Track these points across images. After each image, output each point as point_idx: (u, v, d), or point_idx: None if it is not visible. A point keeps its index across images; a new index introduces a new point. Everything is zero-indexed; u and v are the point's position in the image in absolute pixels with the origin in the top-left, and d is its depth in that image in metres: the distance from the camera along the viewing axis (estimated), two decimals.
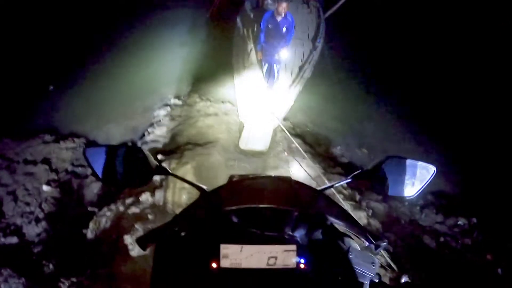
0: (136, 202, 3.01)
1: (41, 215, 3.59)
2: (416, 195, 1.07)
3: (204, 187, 1.06)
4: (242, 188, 1.08)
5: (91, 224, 3.01)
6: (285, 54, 4.87)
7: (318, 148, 4.81)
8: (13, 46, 6.17)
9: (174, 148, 4.03)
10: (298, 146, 4.38)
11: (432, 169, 1.06)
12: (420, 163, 1.08)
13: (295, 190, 1.11)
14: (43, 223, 3.49)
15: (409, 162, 1.08)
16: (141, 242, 0.89)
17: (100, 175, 0.99)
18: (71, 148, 4.44)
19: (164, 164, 1.03)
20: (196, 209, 0.99)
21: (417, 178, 1.07)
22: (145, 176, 1.01)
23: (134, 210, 2.90)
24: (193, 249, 0.86)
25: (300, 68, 5.39)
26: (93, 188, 3.79)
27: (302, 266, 0.82)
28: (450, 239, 3.74)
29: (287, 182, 1.17)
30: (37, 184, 3.94)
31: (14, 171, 4.08)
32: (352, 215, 1.03)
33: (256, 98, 4.88)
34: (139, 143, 4.39)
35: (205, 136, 4.32)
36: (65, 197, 3.75)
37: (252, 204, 0.92)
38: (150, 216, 2.78)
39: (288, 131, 4.58)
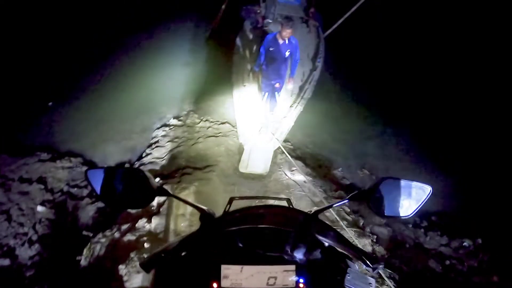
0: (132, 228, 2.97)
1: (34, 237, 3.53)
2: (412, 215, 1.09)
3: (205, 208, 1.07)
4: (242, 211, 1.09)
5: (85, 251, 2.96)
6: (290, 84, 4.73)
7: (319, 170, 4.80)
8: (13, 60, 6.16)
9: (172, 171, 4.00)
10: (299, 169, 4.38)
11: (428, 189, 1.08)
12: (415, 183, 1.09)
13: (292, 214, 1.14)
14: (37, 246, 3.43)
15: (405, 182, 1.09)
16: (145, 266, 0.90)
17: (102, 197, 1.00)
18: (67, 168, 4.40)
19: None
20: (198, 232, 1.00)
21: (413, 198, 1.09)
22: (147, 197, 1.03)
23: (129, 237, 2.86)
24: (194, 270, 0.87)
25: (301, 88, 5.42)
26: (88, 211, 3.75)
27: (301, 285, 0.83)
28: (456, 262, 3.72)
29: (284, 207, 1.20)
30: (32, 204, 3.88)
31: (9, 189, 4.02)
32: (347, 238, 1.05)
33: (255, 119, 4.90)
34: (136, 165, 4.36)
35: (204, 158, 4.31)
36: (60, 219, 3.70)
37: (252, 224, 0.94)
38: (146, 245, 2.74)
39: (288, 153, 4.58)
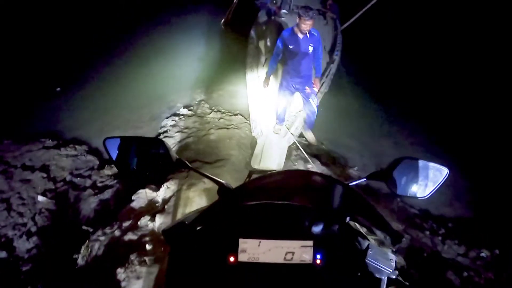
0: (134, 227, 2.73)
1: (33, 229, 3.34)
2: (428, 195, 1.09)
3: (223, 182, 1.07)
4: (261, 184, 1.08)
5: (83, 249, 2.74)
6: (316, 86, 4.12)
7: (334, 168, 4.48)
8: (23, 44, 6.02)
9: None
10: (314, 166, 4.08)
11: (445, 171, 1.07)
12: (433, 164, 1.09)
13: (314, 184, 1.11)
14: (35, 239, 3.23)
15: (422, 163, 1.09)
16: (168, 235, 0.91)
17: (120, 166, 1.02)
18: (72, 156, 4.19)
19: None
20: (216, 204, 0.99)
21: (430, 180, 1.08)
22: (166, 168, 1.04)
23: (130, 237, 2.62)
24: (211, 243, 0.85)
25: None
26: (90, 203, 3.54)
27: (318, 261, 0.82)
28: (474, 274, 3.44)
29: (307, 176, 1.18)
30: (33, 193, 3.69)
31: (10, 176, 3.84)
32: (375, 209, 1.03)
33: (270, 113, 4.60)
34: None
35: (214, 152, 4.04)
36: (60, 210, 3.50)
37: (270, 200, 0.92)
38: (148, 246, 2.50)
39: (303, 149, 4.29)
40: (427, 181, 1.09)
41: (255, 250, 0.82)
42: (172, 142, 4.28)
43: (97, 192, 3.66)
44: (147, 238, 2.58)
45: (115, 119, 4.91)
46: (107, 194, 3.61)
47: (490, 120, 5.53)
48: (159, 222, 2.71)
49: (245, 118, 4.91)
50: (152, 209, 2.96)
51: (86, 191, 3.69)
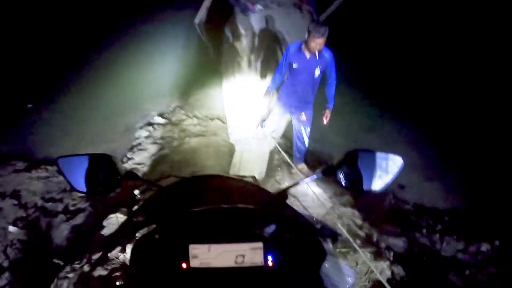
0: (104, 260, 2.59)
1: (5, 263, 3.20)
2: (383, 188, 1.04)
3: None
4: (207, 187, 1.10)
5: None
6: (326, 119, 3.60)
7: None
8: None
9: (155, 180, 3.59)
10: (299, 172, 3.96)
11: (399, 160, 1.03)
12: (386, 155, 1.05)
13: (257, 192, 1.15)
14: (7, 275, 3.09)
15: (375, 154, 1.04)
16: (109, 245, 0.96)
17: (73, 184, 1.02)
18: (43, 178, 4.01)
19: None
20: (155, 208, 1.05)
21: (385, 171, 1.03)
22: (115, 183, 1.04)
23: (100, 272, 2.48)
24: (165, 250, 0.85)
25: None
26: (62, 230, 3.39)
27: (270, 263, 0.81)
28: (475, 271, 3.39)
29: (251, 184, 1.22)
30: (4, 223, 3.53)
31: None
32: (304, 217, 1.05)
33: (247, 115, 4.42)
34: None
35: (190, 163, 3.89)
36: (32, 240, 3.35)
37: (218, 204, 0.94)
38: (118, 283, 2.38)
39: (286, 151, 4.13)
40: (382, 172, 1.04)
41: (206, 255, 0.81)
42: (145, 155, 4.12)
43: (69, 217, 3.51)
44: (117, 273, 2.46)
45: (88, 133, 4.71)
46: (79, 219, 3.46)
47: (484, 113, 5.41)
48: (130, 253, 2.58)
49: (223, 122, 4.74)
50: (123, 237, 2.82)
51: (58, 217, 3.54)
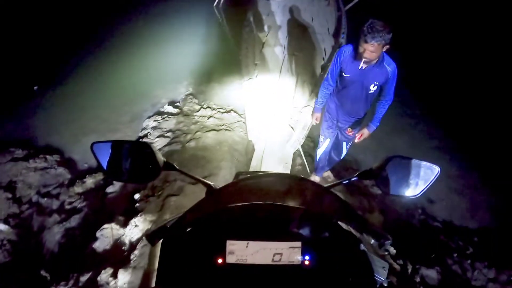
0: (93, 283, 2.21)
1: None
2: (419, 195, 1.05)
3: (212, 184, 1.08)
4: (248, 185, 1.08)
5: None
6: (366, 133, 2.96)
7: (346, 176, 3.83)
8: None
9: (159, 185, 3.17)
10: (323, 179, 3.46)
11: (436, 169, 1.04)
12: (424, 163, 1.06)
13: (301, 188, 1.12)
14: None
15: (413, 162, 1.07)
16: (151, 238, 0.91)
17: (108, 170, 1.00)
18: (41, 169, 3.66)
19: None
20: (204, 205, 1.00)
21: (421, 178, 1.05)
22: (153, 172, 1.01)
23: None
24: (199, 245, 0.85)
25: (324, 69, 4.31)
26: (54, 233, 3.03)
27: (307, 263, 0.81)
28: None
29: (294, 180, 1.19)
30: None
31: None
32: (357, 212, 1.03)
33: (271, 110, 3.86)
34: None
35: (200, 163, 3.43)
36: (22, 242, 3.01)
37: (258, 201, 0.92)
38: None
39: (309, 154, 3.62)
40: (418, 179, 1.06)
41: (243, 252, 0.80)
42: None
43: (64, 218, 3.15)
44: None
45: (92, 120, 4.33)
46: (73, 221, 3.10)
47: None
48: (122, 280, 2.17)
49: (239, 115, 4.25)
50: (116, 255, 2.42)
51: (52, 217, 3.18)
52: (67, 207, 3.29)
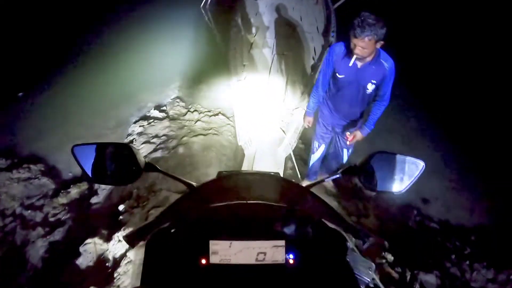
0: None
1: None
2: (404, 190, 1.06)
3: (194, 184, 1.07)
4: (230, 184, 1.09)
5: None
6: (358, 135, 2.74)
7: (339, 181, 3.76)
8: None
9: (141, 195, 3.08)
10: (307, 182, 3.38)
11: (421, 164, 1.04)
12: (408, 158, 1.06)
13: (283, 187, 1.15)
14: None
15: (397, 157, 1.06)
16: (129, 239, 0.90)
17: (89, 173, 1.00)
18: (25, 180, 3.57)
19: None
20: (184, 205, 1.00)
21: (406, 174, 1.05)
22: (134, 173, 1.01)
23: None
24: (183, 246, 0.84)
25: (314, 69, 4.22)
26: (38, 248, 2.94)
27: (291, 261, 0.81)
28: None
29: (275, 179, 1.20)
30: None
31: None
32: (337, 212, 1.04)
33: (261, 113, 3.73)
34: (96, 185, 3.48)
35: (187, 170, 3.36)
36: (4, 258, 2.94)
37: (240, 200, 0.92)
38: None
39: (301, 157, 3.53)
40: (403, 175, 1.05)
41: (226, 252, 0.79)
42: None
43: (47, 231, 3.07)
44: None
45: (77, 126, 4.23)
46: (57, 234, 3.02)
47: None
48: None
49: (227, 118, 4.16)
50: (100, 273, 2.35)
51: (35, 230, 3.09)
52: (51, 219, 3.21)
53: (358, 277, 0.84)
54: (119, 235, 2.51)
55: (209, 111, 4.20)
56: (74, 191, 3.45)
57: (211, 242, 0.79)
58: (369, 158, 1.06)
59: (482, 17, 6.58)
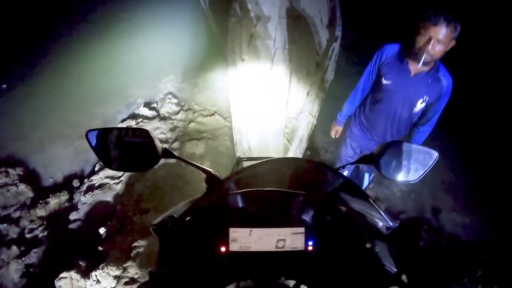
0: None
1: None
2: (418, 179, 1.07)
3: (211, 170, 1.06)
4: (251, 172, 1.06)
5: None
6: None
7: None
8: None
9: (129, 214, 2.76)
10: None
11: (435, 154, 1.06)
12: (423, 148, 1.08)
13: (305, 171, 1.12)
14: None
15: (412, 147, 1.08)
16: (157, 230, 0.89)
17: (103, 160, 0.98)
18: (1, 187, 3.28)
19: None
20: (205, 195, 1.00)
21: (420, 163, 1.06)
22: (152, 159, 0.98)
23: None
24: (202, 234, 0.85)
25: (318, 65, 3.78)
26: (12, 272, 2.66)
27: (310, 248, 0.81)
28: None
29: (297, 163, 1.17)
30: None
31: None
32: (366, 193, 1.03)
33: (260, 116, 3.37)
34: (83, 190, 3.16)
35: (176, 186, 3.02)
36: None
37: (259, 187, 0.90)
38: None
39: None
40: (417, 164, 1.06)
41: (246, 239, 0.79)
42: (110, 173, 3.22)
43: (23, 251, 2.79)
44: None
45: (60, 124, 3.88)
46: (33, 256, 2.73)
47: None
48: None
49: (224, 118, 3.79)
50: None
51: (11, 249, 2.82)
52: (28, 236, 2.93)
53: (382, 266, 0.82)
54: (97, 274, 2.21)
55: (204, 110, 3.82)
56: (54, 202, 3.15)
57: (231, 230, 0.79)
58: (385, 147, 1.05)
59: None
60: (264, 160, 1.11)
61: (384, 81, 2.02)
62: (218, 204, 0.88)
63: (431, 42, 1.72)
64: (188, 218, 0.87)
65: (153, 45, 4.54)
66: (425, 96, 1.95)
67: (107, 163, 0.99)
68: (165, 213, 0.93)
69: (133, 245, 2.37)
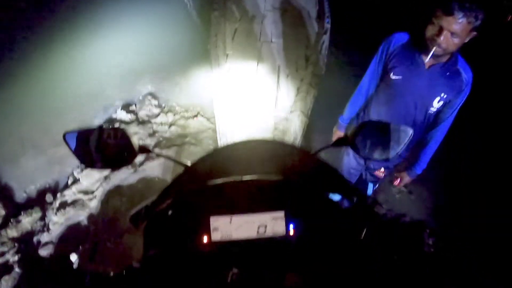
0: None
1: None
2: (395, 155, 1.08)
3: (188, 163, 1.03)
4: (225, 157, 1.05)
5: None
6: (405, 179, 2.11)
7: None
8: None
9: (104, 236, 2.53)
10: None
11: (409, 131, 1.06)
12: (397, 125, 1.07)
13: (284, 155, 1.10)
14: None
15: (387, 125, 1.08)
16: (134, 220, 0.90)
17: (81, 159, 1.00)
18: None
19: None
20: (181, 184, 0.96)
21: (395, 141, 1.07)
22: (128, 156, 1.00)
23: None
24: (183, 225, 0.84)
25: (308, 59, 3.50)
26: None
27: (291, 232, 0.81)
28: None
29: (274, 146, 1.16)
30: None
31: None
32: (347, 180, 1.01)
33: (247, 116, 3.12)
34: (57, 204, 2.93)
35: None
36: None
37: (237, 174, 0.88)
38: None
39: None
40: (392, 142, 1.06)
41: (227, 227, 0.79)
42: (96, 178, 2.99)
43: None
44: None
45: (33, 131, 3.61)
46: (4, 286, 2.53)
47: None
48: None
49: (208, 119, 3.52)
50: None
51: None
52: None
53: (368, 249, 0.82)
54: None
55: (186, 111, 3.56)
56: (26, 220, 2.92)
57: (212, 219, 0.79)
58: (360, 127, 1.05)
59: None
60: (236, 142, 1.07)
61: (393, 77, 1.72)
62: (197, 194, 0.87)
63: (443, 33, 1.44)
64: (165, 208, 0.84)
65: (131, 42, 4.20)
66: (442, 94, 1.66)
67: (86, 163, 1.01)
68: (142, 203, 0.91)
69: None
